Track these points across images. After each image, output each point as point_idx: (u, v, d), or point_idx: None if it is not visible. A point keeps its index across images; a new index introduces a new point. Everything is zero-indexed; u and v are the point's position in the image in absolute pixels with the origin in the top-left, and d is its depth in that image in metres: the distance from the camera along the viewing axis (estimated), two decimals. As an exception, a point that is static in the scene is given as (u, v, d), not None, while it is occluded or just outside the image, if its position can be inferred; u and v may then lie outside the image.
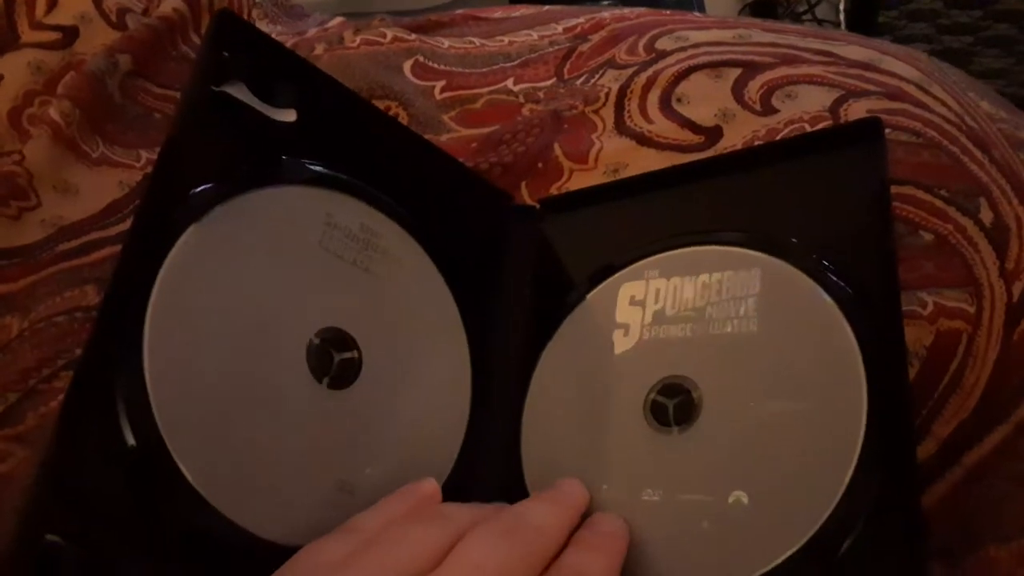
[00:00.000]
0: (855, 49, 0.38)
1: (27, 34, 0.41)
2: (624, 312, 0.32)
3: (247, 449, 0.27)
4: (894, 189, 0.30)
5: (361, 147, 0.33)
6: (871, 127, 0.29)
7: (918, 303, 0.29)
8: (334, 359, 0.29)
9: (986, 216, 0.29)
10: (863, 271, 0.28)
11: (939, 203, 0.30)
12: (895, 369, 0.26)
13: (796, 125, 0.34)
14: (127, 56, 0.40)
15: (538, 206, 0.37)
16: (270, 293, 0.28)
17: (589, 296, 0.34)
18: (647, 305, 0.32)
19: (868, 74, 0.36)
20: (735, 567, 0.26)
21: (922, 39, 1.07)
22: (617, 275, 0.33)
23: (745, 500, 0.27)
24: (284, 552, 0.25)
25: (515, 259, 0.36)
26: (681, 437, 0.29)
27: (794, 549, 0.25)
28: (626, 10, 0.44)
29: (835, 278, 0.28)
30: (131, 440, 0.24)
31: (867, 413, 0.26)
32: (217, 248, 0.27)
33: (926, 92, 0.34)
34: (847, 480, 0.25)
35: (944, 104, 0.33)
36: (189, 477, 0.25)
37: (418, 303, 0.33)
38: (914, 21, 1.06)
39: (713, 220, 0.32)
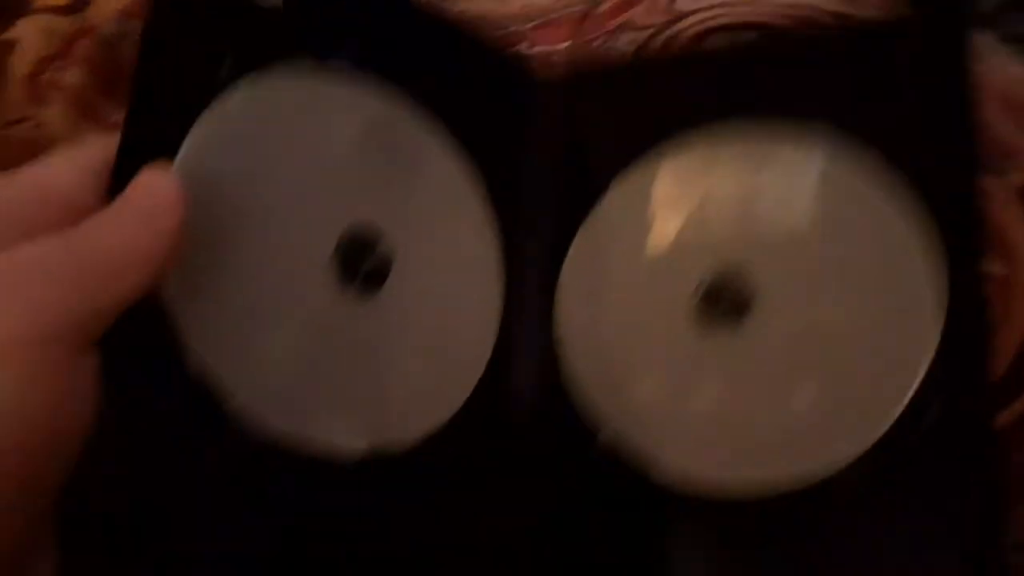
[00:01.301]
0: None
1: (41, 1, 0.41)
2: (666, 199, 0.29)
3: (270, 356, 0.26)
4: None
5: (362, 27, 0.30)
6: (956, 17, 0.26)
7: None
8: (362, 263, 0.28)
9: (1017, 178, 0.29)
10: (935, 170, 0.26)
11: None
12: (969, 271, 0.24)
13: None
14: (139, 21, 0.40)
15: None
16: (286, 199, 0.27)
17: (619, 185, 0.30)
18: (688, 197, 0.29)
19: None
20: (795, 471, 0.25)
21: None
22: (652, 161, 0.30)
23: (804, 403, 0.26)
24: (303, 459, 0.26)
25: (541, 138, 0.32)
26: (733, 335, 0.27)
27: (856, 454, 0.25)
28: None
29: (903, 174, 0.26)
30: None
31: (939, 313, 0.25)
32: (223, 156, 0.26)
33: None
34: (916, 383, 0.24)
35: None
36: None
37: (440, 194, 0.30)
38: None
39: (771, 103, 0.28)
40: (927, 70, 0.26)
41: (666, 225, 0.29)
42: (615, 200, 0.30)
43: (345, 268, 0.28)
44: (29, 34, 0.40)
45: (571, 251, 0.30)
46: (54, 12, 0.40)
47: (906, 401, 0.24)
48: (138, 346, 0.23)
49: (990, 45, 0.30)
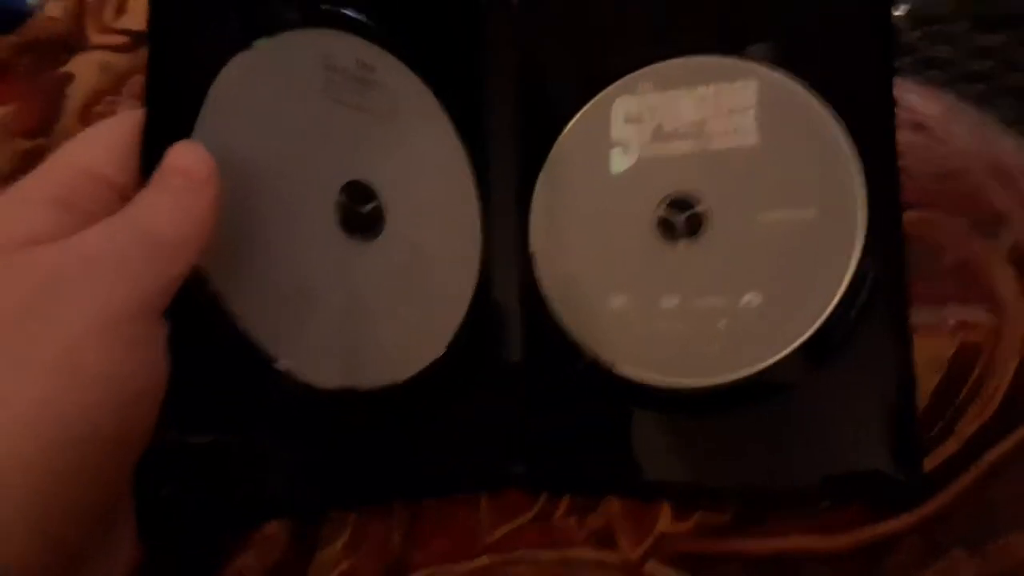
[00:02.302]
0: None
1: (96, 37, 0.43)
2: (620, 129, 0.33)
3: (283, 301, 0.28)
4: (918, 215, 0.33)
5: None
6: None
7: (941, 318, 0.32)
8: (360, 212, 0.31)
9: (1006, 240, 0.32)
10: (859, 85, 0.30)
11: (962, 229, 0.33)
12: (889, 179, 0.29)
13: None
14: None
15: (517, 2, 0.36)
16: (284, 155, 0.29)
17: (580, 114, 0.34)
18: (644, 121, 0.33)
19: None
20: (746, 360, 0.29)
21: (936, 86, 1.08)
22: (610, 89, 0.33)
23: (756, 301, 0.30)
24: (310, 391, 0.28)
25: (500, 71, 0.35)
26: (690, 248, 0.31)
27: (797, 343, 0.29)
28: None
29: (831, 90, 0.30)
30: None
31: (865, 220, 0.29)
32: (237, 120, 0.27)
33: (947, 126, 0.37)
34: (845, 281, 0.28)
35: (965, 138, 0.36)
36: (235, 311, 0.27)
37: (421, 137, 0.33)
38: (929, 68, 1.08)
39: (709, 29, 0.32)
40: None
41: (625, 149, 0.33)
42: (576, 129, 0.34)
43: (346, 217, 0.30)
44: (86, 68, 0.42)
45: (539, 179, 0.34)
46: (111, 49, 0.42)
47: (839, 294, 0.28)
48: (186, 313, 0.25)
49: (983, 121, 0.34)
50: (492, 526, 0.33)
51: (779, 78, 0.31)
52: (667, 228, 0.31)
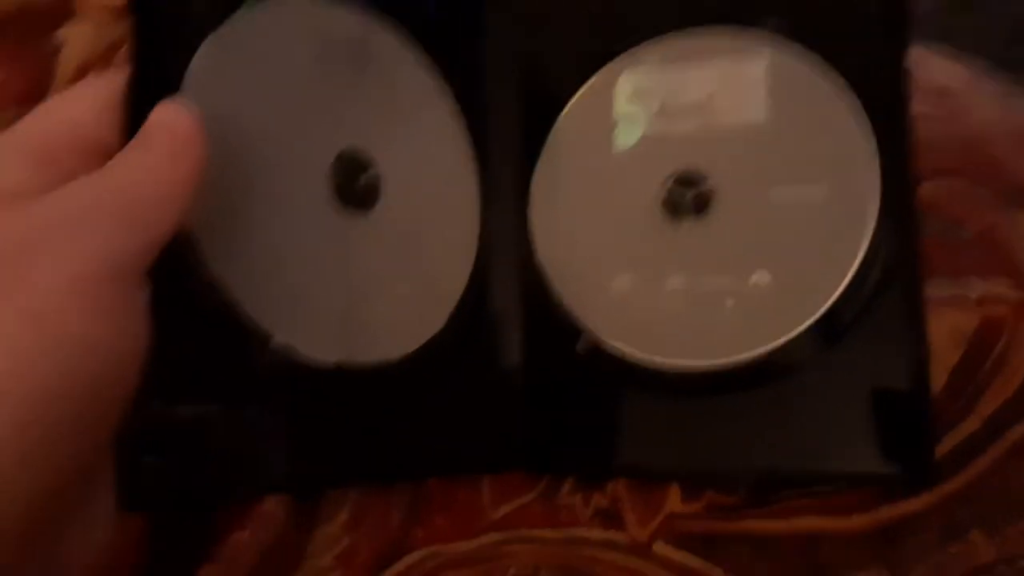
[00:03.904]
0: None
1: (86, 5, 0.42)
2: (624, 106, 0.32)
3: (275, 272, 0.27)
4: (941, 184, 0.32)
5: None
6: None
7: (965, 289, 0.30)
8: (355, 182, 0.30)
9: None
10: (871, 60, 0.29)
11: (985, 199, 0.31)
12: (902, 155, 0.28)
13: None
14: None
15: None
16: (275, 122, 0.28)
17: (583, 89, 0.33)
18: (649, 97, 0.32)
19: (916, 74, 0.37)
20: (756, 340, 0.29)
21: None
22: (613, 63, 0.32)
23: (766, 279, 0.29)
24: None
25: (498, 42, 0.34)
26: (697, 227, 0.30)
27: (808, 324, 0.28)
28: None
29: (843, 65, 0.29)
30: None
31: (878, 197, 0.28)
32: (225, 83, 0.27)
33: (972, 93, 0.35)
34: (858, 259, 0.28)
35: (989, 105, 0.35)
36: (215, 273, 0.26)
37: (418, 110, 0.32)
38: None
39: (716, 1, 0.31)
40: None
41: (629, 126, 0.32)
42: (579, 105, 0.33)
43: (340, 189, 0.29)
44: (76, 36, 0.41)
45: (541, 157, 0.33)
46: (101, 17, 0.41)
47: (851, 274, 0.28)
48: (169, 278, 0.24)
49: (1008, 90, 0.32)
50: (495, 504, 0.33)
51: (789, 52, 0.30)
52: (673, 207, 0.30)
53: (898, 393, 0.27)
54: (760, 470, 0.29)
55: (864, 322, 0.28)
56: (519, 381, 0.32)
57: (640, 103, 0.32)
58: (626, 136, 0.32)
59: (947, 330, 0.30)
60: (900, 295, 0.28)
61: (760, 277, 0.29)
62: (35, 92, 0.40)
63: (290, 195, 0.28)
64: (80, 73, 0.41)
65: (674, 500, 0.31)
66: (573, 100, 0.33)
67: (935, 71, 0.34)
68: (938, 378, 0.29)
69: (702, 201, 0.30)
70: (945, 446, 0.29)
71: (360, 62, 0.30)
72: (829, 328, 0.28)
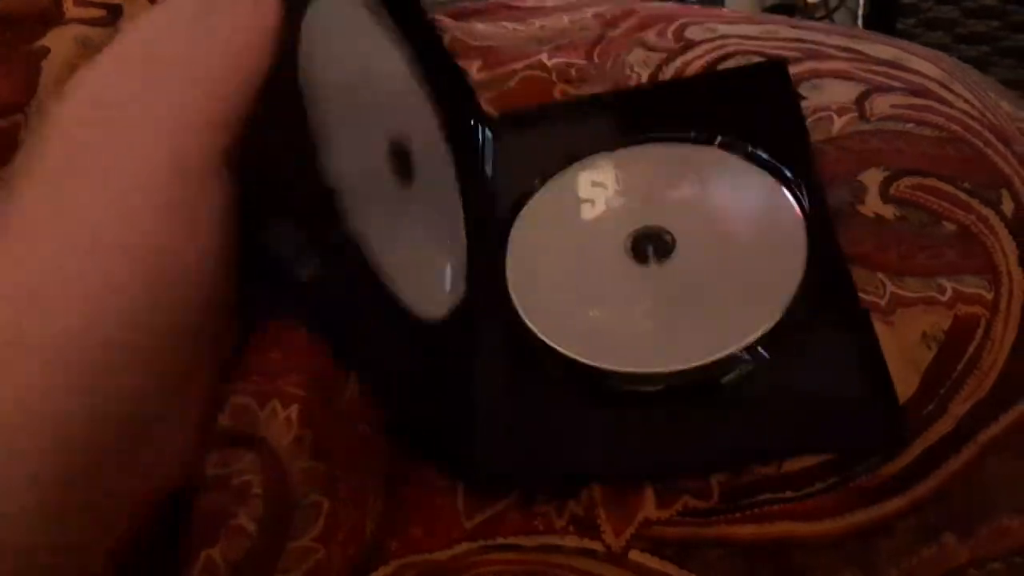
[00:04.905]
0: (880, 47, 0.39)
1: (72, 10, 0.42)
2: (587, 190, 0.39)
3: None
4: (919, 180, 0.31)
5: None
6: (776, 67, 0.38)
7: (937, 289, 0.30)
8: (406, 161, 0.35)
9: (1007, 207, 0.31)
10: (783, 149, 0.36)
11: (962, 195, 0.31)
12: (824, 225, 0.33)
13: (823, 113, 0.35)
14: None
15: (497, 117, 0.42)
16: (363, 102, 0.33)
17: (550, 181, 0.39)
18: (608, 184, 0.39)
19: (893, 71, 0.37)
20: (710, 350, 0.32)
21: (939, 47, 1.07)
22: (575, 165, 0.39)
23: (723, 301, 0.34)
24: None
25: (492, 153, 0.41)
26: (660, 269, 0.35)
27: (761, 332, 0.32)
28: (654, 3, 0.45)
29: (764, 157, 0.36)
30: None
31: (807, 246, 0.33)
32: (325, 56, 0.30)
33: (949, 89, 0.35)
34: (794, 289, 0.32)
35: (966, 101, 0.34)
36: None
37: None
38: (931, 30, 1.07)
39: (659, 127, 0.39)
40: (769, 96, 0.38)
41: (593, 203, 0.38)
42: (549, 188, 0.40)
43: (396, 164, 0.34)
44: (61, 43, 0.41)
45: (515, 224, 0.39)
46: (88, 23, 0.41)
47: (786, 304, 0.32)
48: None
49: (985, 84, 0.32)
50: (470, 513, 0.32)
51: (720, 153, 0.37)
52: (640, 251, 0.36)
53: (855, 369, 0.30)
54: (732, 453, 0.31)
55: (810, 325, 0.32)
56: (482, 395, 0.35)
57: (600, 188, 0.39)
58: (590, 209, 0.38)
59: (921, 330, 0.29)
60: (840, 299, 0.31)
61: (718, 298, 0.34)
62: (19, 100, 0.40)
63: (366, 167, 0.33)
64: (65, 80, 0.41)
65: (649, 506, 0.31)
66: (545, 184, 0.39)
67: (912, 66, 0.34)
68: (911, 379, 0.29)
69: (663, 248, 0.35)
70: (918, 447, 0.29)
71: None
72: (779, 334, 0.31)
